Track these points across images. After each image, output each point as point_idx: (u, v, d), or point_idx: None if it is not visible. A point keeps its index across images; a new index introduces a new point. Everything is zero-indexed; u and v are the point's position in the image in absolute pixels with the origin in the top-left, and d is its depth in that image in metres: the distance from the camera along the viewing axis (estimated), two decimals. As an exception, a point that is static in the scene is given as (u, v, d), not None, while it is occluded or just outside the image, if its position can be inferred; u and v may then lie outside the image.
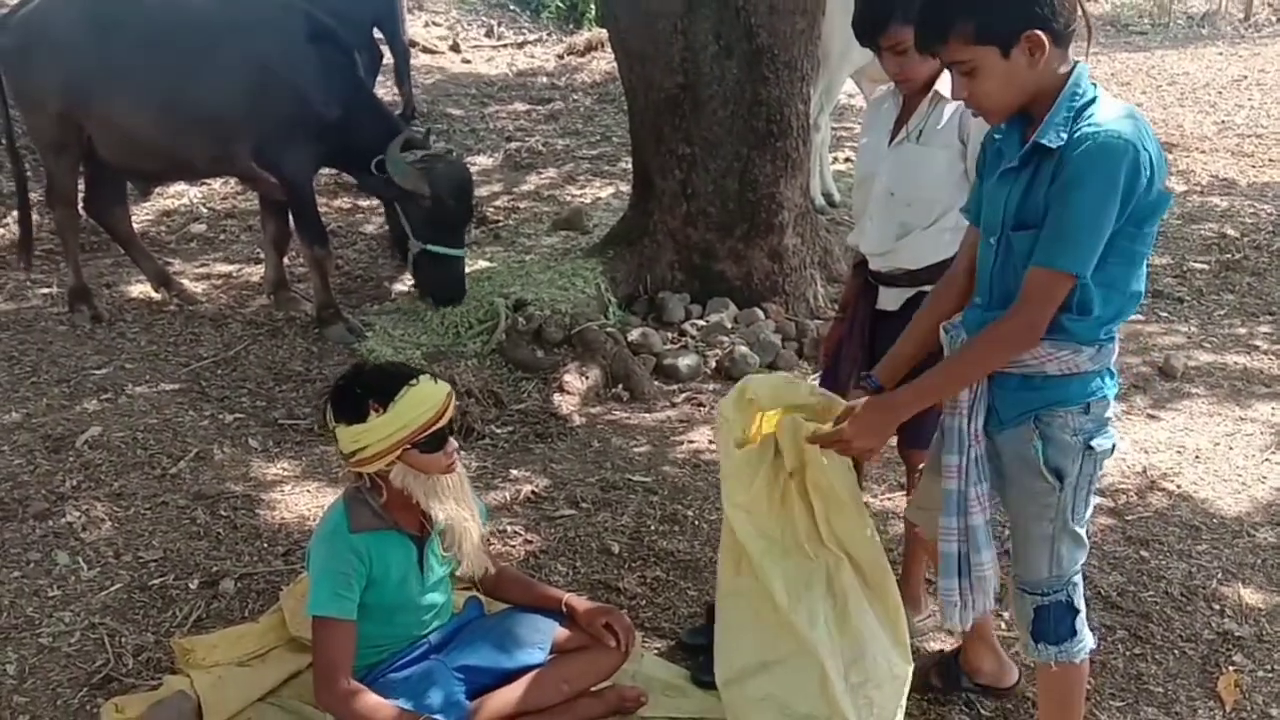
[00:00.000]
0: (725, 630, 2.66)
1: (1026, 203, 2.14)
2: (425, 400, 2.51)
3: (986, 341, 2.18)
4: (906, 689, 2.61)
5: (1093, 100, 2.07)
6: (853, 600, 2.53)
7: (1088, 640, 2.41)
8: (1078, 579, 2.37)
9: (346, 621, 2.53)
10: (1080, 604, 2.38)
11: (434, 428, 2.52)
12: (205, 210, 7.12)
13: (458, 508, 2.63)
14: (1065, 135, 2.05)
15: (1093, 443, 2.23)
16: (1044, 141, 2.07)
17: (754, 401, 2.51)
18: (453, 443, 2.62)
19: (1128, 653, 3.12)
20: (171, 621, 3.16)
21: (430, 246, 5.29)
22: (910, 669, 2.63)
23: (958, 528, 2.33)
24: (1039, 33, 2.02)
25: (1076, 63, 2.11)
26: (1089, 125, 2.03)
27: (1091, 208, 2.01)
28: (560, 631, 2.79)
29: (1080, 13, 2.10)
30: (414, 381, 2.53)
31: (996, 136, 2.27)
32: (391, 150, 5.04)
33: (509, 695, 2.64)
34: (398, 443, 2.50)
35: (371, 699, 2.50)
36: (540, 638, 2.76)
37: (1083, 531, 2.31)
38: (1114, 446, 2.30)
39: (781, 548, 2.52)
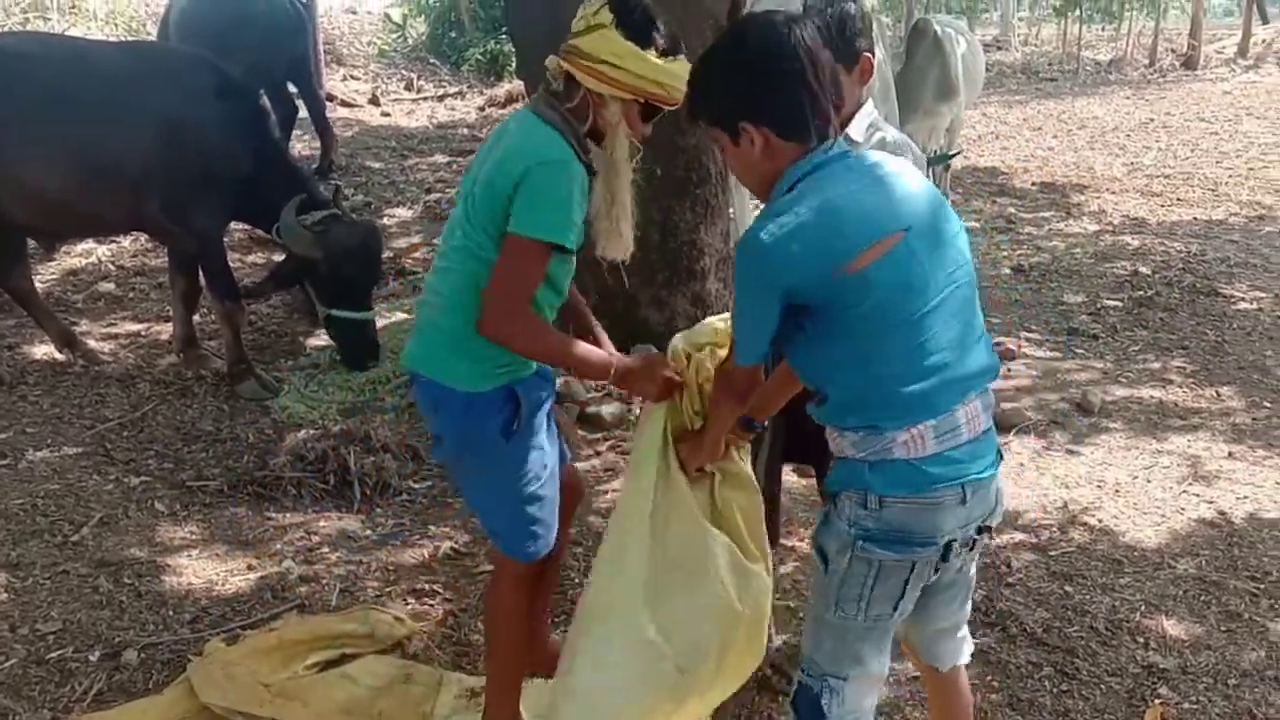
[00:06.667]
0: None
1: None
2: (684, 79, 2.27)
3: None
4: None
5: (784, 191, 2.03)
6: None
7: None
8: (843, 690, 2.15)
9: (552, 253, 2.35)
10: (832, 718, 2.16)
11: (668, 105, 2.38)
12: (114, 268, 6.93)
13: (622, 189, 2.47)
14: None
15: (866, 545, 2.04)
16: None
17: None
18: (647, 129, 2.50)
19: (1054, 689, 3.10)
20: (70, 696, 3.01)
21: (335, 312, 5.18)
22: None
23: None
24: (750, 126, 2.03)
25: (811, 156, 2.04)
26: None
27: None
28: None
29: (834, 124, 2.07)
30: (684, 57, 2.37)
31: None
32: (285, 215, 4.92)
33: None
34: (642, 90, 2.36)
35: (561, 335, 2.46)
36: None
37: (855, 638, 2.13)
38: (914, 568, 2.06)
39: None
